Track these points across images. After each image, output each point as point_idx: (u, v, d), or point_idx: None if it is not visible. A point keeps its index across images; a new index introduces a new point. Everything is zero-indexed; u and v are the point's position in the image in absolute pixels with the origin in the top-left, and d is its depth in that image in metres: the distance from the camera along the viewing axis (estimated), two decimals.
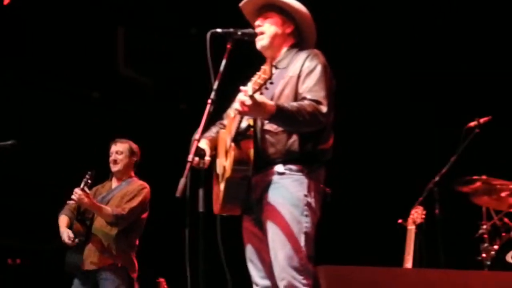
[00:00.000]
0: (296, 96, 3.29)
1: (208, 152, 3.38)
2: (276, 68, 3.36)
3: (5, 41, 6.69)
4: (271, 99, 3.24)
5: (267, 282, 3.33)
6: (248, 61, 3.53)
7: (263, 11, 3.53)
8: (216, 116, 3.59)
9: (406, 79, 6.74)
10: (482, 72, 6.36)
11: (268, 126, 3.31)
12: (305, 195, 3.24)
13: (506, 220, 5.24)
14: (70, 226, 5.37)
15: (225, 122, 3.66)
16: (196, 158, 3.22)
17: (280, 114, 3.10)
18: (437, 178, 5.16)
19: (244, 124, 3.29)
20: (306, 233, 3.19)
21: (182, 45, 6.81)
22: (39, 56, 7.01)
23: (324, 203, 3.36)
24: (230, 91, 3.52)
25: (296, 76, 3.33)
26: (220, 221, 3.29)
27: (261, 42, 3.49)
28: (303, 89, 3.28)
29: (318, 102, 3.21)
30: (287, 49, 3.50)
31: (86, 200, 5.16)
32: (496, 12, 6.29)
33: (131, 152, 5.49)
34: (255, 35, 3.49)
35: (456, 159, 5.14)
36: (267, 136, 3.30)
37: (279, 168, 3.27)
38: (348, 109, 3.39)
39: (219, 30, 3.35)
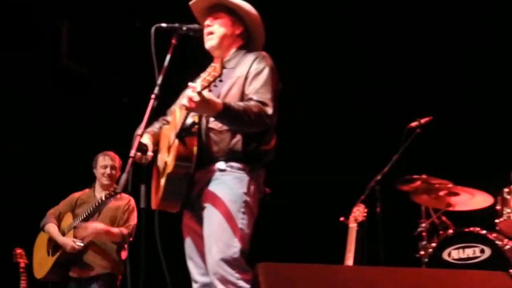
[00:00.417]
0: (243, 97, 3.31)
1: (150, 147, 3.35)
2: (224, 67, 3.35)
3: None
4: (217, 97, 3.22)
5: (207, 279, 3.32)
6: (194, 57, 3.52)
7: (213, 11, 3.53)
8: (160, 112, 3.57)
9: (349, 78, 6.81)
10: (424, 73, 6.49)
11: (213, 124, 3.31)
12: (244, 193, 3.26)
13: (444, 218, 5.36)
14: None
15: (168, 118, 3.63)
16: (138, 154, 3.20)
17: (226, 113, 3.12)
18: (379, 177, 5.25)
19: (189, 121, 3.27)
20: (241, 230, 3.20)
21: (126, 39, 6.73)
22: None
23: (264, 202, 3.38)
24: (174, 86, 3.50)
25: (243, 77, 3.35)
26: (160, 217, 3.28)
27: (210, 42, 3.50)
28: (249, 90, 3.30)
29: (264, 104, 3.24)
30: (235, 50, 3.52)
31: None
32: (438, 11, 6.40)
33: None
34: (200, 31, 3.47)
35: (398, 159, 5.22)
36: (211, 134, 3.31)
37: (220, 165, 3.29)
38: (291, 107, 3.40)
39: (163, 24, 3.33)
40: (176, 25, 3.35)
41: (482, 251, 4.81)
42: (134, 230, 5.32)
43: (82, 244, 5.14)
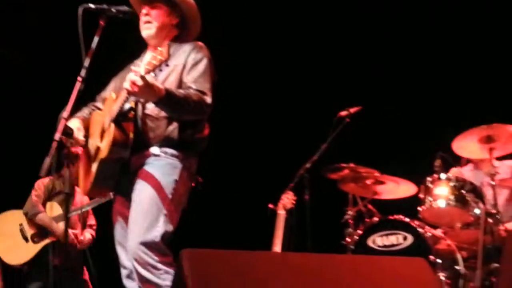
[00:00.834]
0: (180, 85, 3.32)
1: (82, 131, 3.32)
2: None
3: None
4: None
5: None
6: (123, 40, 3.47)
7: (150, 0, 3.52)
8: (87, 95, 3.50)
9: (279, 67, 6.84)
10: (354, 63, 6.58)
11: (149, 111, 3.31)
12: (176, 180, 3.27)
13: (370, 206, 5.45)
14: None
15: (98, 104, 3.58)
16: (64, 137, 3.17)
17: (168, 99, 3.13)
18: (308, 165, 5.33)
19: (126, 106, 3.25)
20: (165, 215, 3.21)
21: (53, 19, 6.56)
22: None
23: (196, 191, 3.40)
24: (104, 70, 3.45)
25: (181, 65, 3.35)
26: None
27: (147, 31, 3.49)
28: (188, 79, 3.32)
29: (203, 93, 3.27)
30: (171, 40, 3.50)
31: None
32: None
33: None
34: (130, 13, 3.43)
35: (327, 147, 5.30)
36: (148, 121, 3.30)
37: (154, 150, 3.29)
38: (220, 94, 3.42)
39: (91, 5, 3.29)
40: (105, 6, 3.32)
41: (405, 238, 4.89)
42: None
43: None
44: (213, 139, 3.53)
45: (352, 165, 5.35)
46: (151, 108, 3.28)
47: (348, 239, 5.23)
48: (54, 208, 5.32)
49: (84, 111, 3.55)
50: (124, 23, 3.41)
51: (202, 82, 3.30)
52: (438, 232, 5.04)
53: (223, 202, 6.91)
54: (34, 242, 5.28)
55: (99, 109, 3.56)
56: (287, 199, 5.28)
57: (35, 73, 7.05)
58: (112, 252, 3.45)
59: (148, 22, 3.47)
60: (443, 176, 5.00)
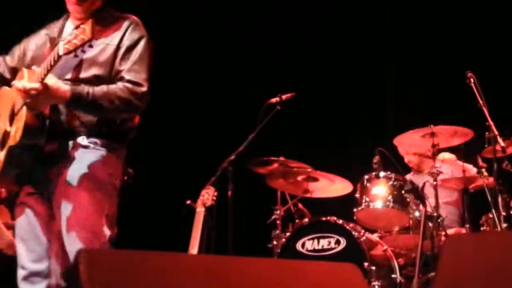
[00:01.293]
0: (112, 67, 3.25)
1: None
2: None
3: None
4: (80, 64, 3.19)
5: (39, 266, 3.24)
6: None
7: None
8: None
9: (207, 51, 6.81)
10: (289, 43, 6.62)
11: None
12: (110, 174, 3.23)
13: (300, 206, 5.48)
14: None
15: (6, 74, 3.42)
16: None
17: (77, 101, 3.08)
18: (232, 157, 5.23)
19: None
20: (107, 216, 3.18)
21: None
22: None
23: (126, 184, 3.41)
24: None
25: (114, 46, 3.26)
26: None
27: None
28: (122, 66, 3.25)
29: (137, 84, 3.21)
30: (100, 8, 3.37)
31: None
32: None
33: None
34: None
35: (254, 138, 5.23)
36: None
37: (82, 140, 3.22)
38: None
39: None
40: None
41: (338, 242, 4.95)
42: None
43: None
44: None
45: (282, 158, 5.37)
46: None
47: (274, 242, 5.24)
48: None
49: None
50: None
51: (138, 71, 3.24)
52: (374, 237, 5.13)
53: (135, 196, 6.79)
54: None
55: (6, 80, 3.40)
56: (207, 195, 5.23)
57: None
58: None
59: None
60: (381, 174, 5.10)
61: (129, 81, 3.21)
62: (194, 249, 5.01)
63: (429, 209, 4.88)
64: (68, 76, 3.21)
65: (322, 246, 5.00)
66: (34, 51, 3.34)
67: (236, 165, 5.25)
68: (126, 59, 3.26)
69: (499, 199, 4.84)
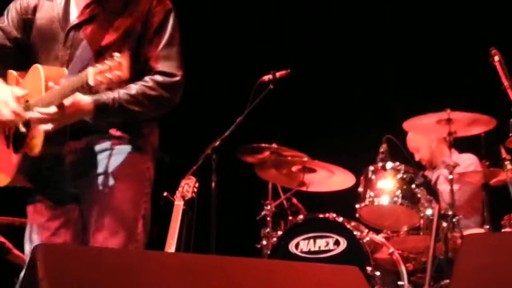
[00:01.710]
0: (139, 58, 3.17)
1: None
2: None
3: None
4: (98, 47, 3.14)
5: None
6: None
7: None
8: None
9: (191, 23, 6.81)
10: (285, 17, 6.62)
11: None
12: (148, 168, 3.25)
13: (294, 200, 5.44)
14: None
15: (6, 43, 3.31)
16: None
17: (103, 112, 3.07)
18: (217, 143, 5.20)
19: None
20: (144, 217, 3.21)
21: None
22: None
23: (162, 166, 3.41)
24: None
25: (140, 22, 3.19)
26: None
27: None
28: (151, 53, 3.19)
29: (169, 75, 3.20)
30: None
31: None
32: None
33: None
34: None
35: (243, 121, 5.18)
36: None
37: (115, 131, 3.22)
38: None
39: None
40: None
41: (337, 242, 4.94)
42: None
43: None
44: None
45: (274, 146, 5.33)
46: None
47: (264, 242, 5.19)
48: None
49: None
50: None
51: (168, 57, 3.21)
52: (379, 237, 5.12)
53: None
54: None
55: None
56: (188, 186, 5.18)
57: None
58: None
59: None
60: (389, 165, 5.06)
61: (159, 73, 3.19)
62: (171, 247, 4.96)
63: (443, 206, 4.83)
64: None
65: (319, 247, 4.98)
66: (43, 23, 3.24)
67: (221, 152, 5.24)
68: (154, 43, 3.21)
69: None
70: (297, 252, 5.00)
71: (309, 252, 4.98)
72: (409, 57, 6.48)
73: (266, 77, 5.24)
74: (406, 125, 5.15)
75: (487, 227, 5.04)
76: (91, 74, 2.86)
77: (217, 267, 2.93)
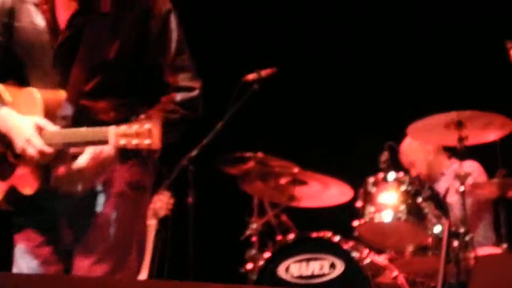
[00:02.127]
0: (141, 60, 3.18)
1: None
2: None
3: None
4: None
5: None
6: None
7: None
8: None
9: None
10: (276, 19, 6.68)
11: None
12: (151, 174, 3.29)
13: (284, 217, 5.45)
14: None
15: None
16: None
17: (126, 153, 3.05)
18: (194, 152, 5.24)
19: None
20: (138, 242, 3.24)
21: None
22: None
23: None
24: None
25: (139, 24, 3.16)
26: None
27: None
28: (161, 62, 3.20)
29: (187, 90, 3.22)
30: None
31: None
32: None
33: None
34: None
35: (224, 127, 5.19)
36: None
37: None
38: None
39: None
40: None
41: (333, 265, 4.92)
42: None
43: None
44: None
45: (260, 155, 5.30)
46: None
47: (249, 265, 5.17)
48: None
49: None
50: None
51: (182, 67, 3.23)
52: (381, 259, 5.09)
53: None
54: None
55: None
56: (161, 202, 5.24)
57: None
58: None
59: None
60: (391, 176, 5.08)
61: (176, 89, 3.20)
62: (142, 273, 4.97)
63: (453, 222, 4.82)
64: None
65: (312, 271, 4.97)
66: (28, 33, 3.18)
67: (199, 163, 5.30)
68: (160, 50, 3.22)
69: None
70: (287, 278, 4.98)
71: (301, 277, 4.95)
72: (412, 55, 6.52)
73: (250, 76, 5.22)
74: (410, 129, 5.09)
75: (504, 245, 4.96)
76: (112, 135, 2.87)
77: None
